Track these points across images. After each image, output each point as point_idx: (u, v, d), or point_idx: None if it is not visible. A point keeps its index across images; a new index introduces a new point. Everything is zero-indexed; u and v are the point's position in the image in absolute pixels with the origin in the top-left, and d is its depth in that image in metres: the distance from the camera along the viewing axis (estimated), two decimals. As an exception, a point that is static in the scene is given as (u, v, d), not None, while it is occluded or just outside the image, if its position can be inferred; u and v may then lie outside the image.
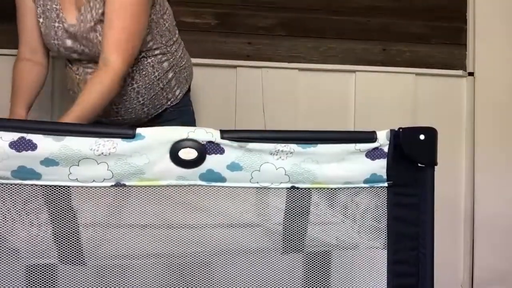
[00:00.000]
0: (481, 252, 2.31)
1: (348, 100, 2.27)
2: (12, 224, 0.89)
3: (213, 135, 0.87)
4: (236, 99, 2.18)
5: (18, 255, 0.90)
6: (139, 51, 1.45)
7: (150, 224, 0.92)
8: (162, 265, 0.95)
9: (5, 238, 0.89)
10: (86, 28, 1.43)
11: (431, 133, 0.95)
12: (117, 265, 0.93)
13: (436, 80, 2.32)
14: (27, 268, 0.90)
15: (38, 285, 0.88)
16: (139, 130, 0.86)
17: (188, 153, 0.86)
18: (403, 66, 2.29)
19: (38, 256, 0.90)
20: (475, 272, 2.32)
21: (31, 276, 0.89)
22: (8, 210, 0.89)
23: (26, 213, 0.90)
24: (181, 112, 1.62)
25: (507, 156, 2.32)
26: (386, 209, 0.97)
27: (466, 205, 2.32)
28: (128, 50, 1.36)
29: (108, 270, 0.93)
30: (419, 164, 0.97)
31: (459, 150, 2.33)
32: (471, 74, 2.33)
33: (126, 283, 0.92)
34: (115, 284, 0.91)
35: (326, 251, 0.99)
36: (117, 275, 0.93)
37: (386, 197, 0.97)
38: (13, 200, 0.88)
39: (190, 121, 1.66)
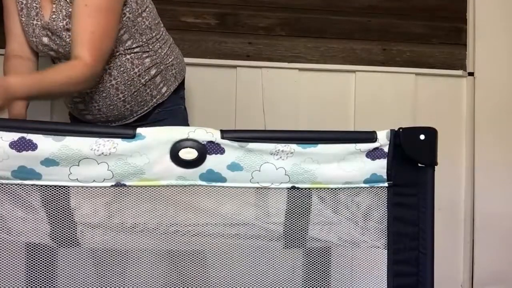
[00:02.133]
0: (481, 252, 2.31)
1: (348, 100, 2.27)
2: (12, 223, 0.89)
3: (213, 135, 0.87)
4: (236, 99, 2.17)
5: (18, 254, 0.90)
6: (117, 49, 1.44)
7: (151, 224, 0.92)
8: (162, 264, 0.95)
9: (5, 238, 0.89)
10: (58, 27, 1.42)
11: (431, 133, 0.95)
12: (118, 265, 0.93)
13: (436, 80, 2.31)
14: (26, 267, 0.90)
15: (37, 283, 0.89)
16: (139, 130, 0.86)
17: (188, 153, 0.86)
18: (403, 66, 2.29)
19: (37, 256, 0.90)
20: (475, 272, 2.31)
21: (31, 274, 0.90)
22: (8, 210, 0.89)
23: (26, 213, 0.90)
24: (171, 112, 1.60)
25: (507, 156, 2.32)
26: (386, 209, 0.98)
27: (466, 205, 2.32)
28: (101, 49, 1.34)
29: (109, 271, 0.93)
30: (419, 164, 0.97)
31: (459, 150, 2.33)
32: (471, 74, 2.33)
33: (126, 282, 0.92)
34: (115, 283, 0.92)
35: (326, 251, 0.99)
36: (118, 275, 0.93)
37: (386, 197, 0.97)
38: (13, 200, 0.88)
39: (180, 122, 1.63)
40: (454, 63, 2.33)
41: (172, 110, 1.60)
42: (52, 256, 0.91)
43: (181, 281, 0.93)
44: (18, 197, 0.89)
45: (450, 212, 2.31)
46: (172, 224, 0.92)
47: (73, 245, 0.91)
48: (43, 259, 0.90)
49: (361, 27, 2.26)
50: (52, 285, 0.90)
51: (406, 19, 2.28)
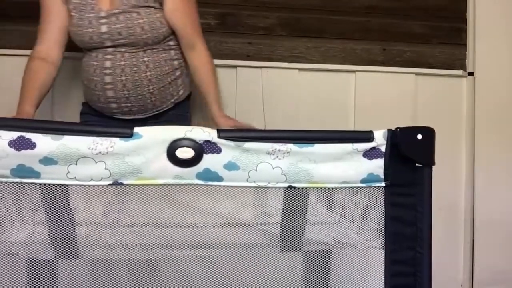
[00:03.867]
0: (481, 252, 2.31)
1: (348, 100, 2.27)
2: (12, 221, 0.90)
3: (210, 134, 0.87)
4: (236, 99, 2.18)
5: (18, 252, 0.90)
6: (156, 45, 1.62)
7: (148, 223, 0.92)
8: (159, 262, 0.96)
9: (5, 235, 0.89)
10: (129, 6, 1.56)
11: (428, 132, 0.95)
12: (114, 263, 0.94)
13: (436, 80, 2.31)
14: (26, 264, 0.91)
15: (37, 280, 0.89)
16: (136, 129, 0.86)
17: (185, 152, 0.86)
18: (403, 66, 2.29)
19: (36, 253, 0.91)
20: (475, 272, 2.31)
21: (31, 271, 0.90)
22: (7, 208, 0.89)
23: (25, 211, 0.90)
24: (180, 117, 1.73)
25: (507, 156, 2.32)
26: (383, 209, 0.97)
27: (466, 205, 2.32)
28: (200, 33, 1.69)
29: (105, 268, 0.93)
30: (417, 164, 0.97)
31: (459, 150, 2.33)
32: (471, 74, 2.33)
33: (122, 280, 0.93)
34: (111, 281, 0.92)
35: (323, 250, 0.99)
36: (114, 273, 0.93)
37: (383, 196, 0.97)
38: (12, 198, 0.89)
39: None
40: (454, 63, 2.33)
41: (181, 116, 1.74)
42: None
43: (176, 279, 0.93)
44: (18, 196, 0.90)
45: (450, 212, 2.31)
46: (169, 223, 0.92)
47: (71, 245, 0.91)
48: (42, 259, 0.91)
49: (361, 27, 2.26)
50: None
51: (406, 19, 2.28)
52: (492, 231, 2.30)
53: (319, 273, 0.98)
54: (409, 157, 0.95)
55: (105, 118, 1.66)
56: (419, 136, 0.94)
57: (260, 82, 2.20)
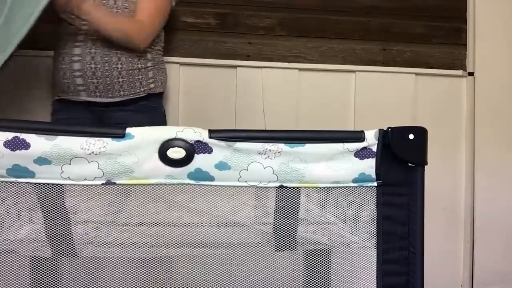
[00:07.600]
0: (481, 252, 2.30)
1: (348, 100, 2.27)
2: (10, 220, 0.91)
3: (201, 134, 0.88)
4: (236, 99, 2.18)
5: (16, 250, 0.92)
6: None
7: (140, 222, 0.93)
8: (151, 262, 0.97)
9: (3, 234, 0.91)
10: None
11: (420, 132, 0.95)
12: (110, 261, 0.95)
13: (436, 80, 2.31)
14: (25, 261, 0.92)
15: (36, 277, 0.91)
16: (128, 130, 0.87)
17: (176, 152, 0.87)
18: (403, 66, 2.29)
19: (34, 251, 0.92)
20: (475, 272, 2.31)
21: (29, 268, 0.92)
22: (5, 207, 0.91)
23: (22, 210, 0.92)
24: (154, 109, 1.73)
25: (507, 156, 2.32)
26: (375, 209, 0.98)
27: (466, 205, 2.32)
28: (155, 23, 1.69)
29: (100, 266, 0.95)
30: (409, 164, 0.97)
31: (459, 150, 2.33)
32: (471, 74, 2.32)
33: (118, 278, 0.94)
34: (107, 279, 0.93)
35: (315, 250, 0.99)
36: (110, 271, 0.94)
37: (375, 196, 0.98)
38: (8, 197, 0.90)
39: (159, 118, 1.76)
40: (454, 63, 2.33)
41: (155, 107, 1.73)
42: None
43: (168, 279, 0.94)
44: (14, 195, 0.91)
45: (450, 212, 2.31)
46: (161, 222, 0.93)
47: (68, 244, 0.92)
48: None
49: (361, 27, 2.27)
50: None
51: (406, 19, 2.28)
52: (492, 231, 2.29)
53: (311, 272, 0.99)
54: (400, 157, 0.95)
55: (72, 111, 1.67)
56: (411, 136, 0.94)
57: (260, 82, 2.20)
